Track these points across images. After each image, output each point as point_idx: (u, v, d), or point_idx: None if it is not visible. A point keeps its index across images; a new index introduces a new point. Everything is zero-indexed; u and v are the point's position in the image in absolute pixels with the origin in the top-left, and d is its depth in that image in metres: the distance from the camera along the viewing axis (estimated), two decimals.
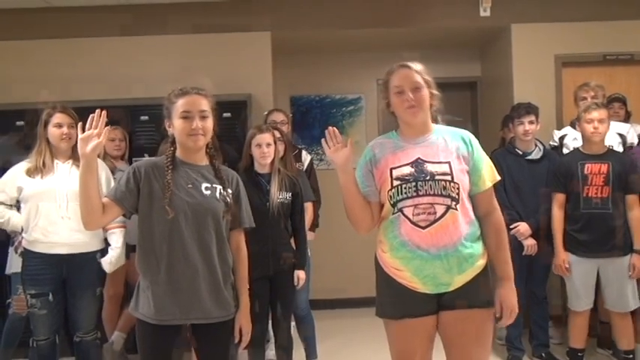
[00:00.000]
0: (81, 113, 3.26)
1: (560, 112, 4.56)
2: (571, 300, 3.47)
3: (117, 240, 3.03)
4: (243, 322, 2.22)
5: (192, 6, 4.49)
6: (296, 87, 5.35)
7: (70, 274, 2.93)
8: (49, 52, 4.47)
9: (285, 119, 3.84)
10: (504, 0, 4.54)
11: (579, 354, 3.49)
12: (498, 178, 2.17)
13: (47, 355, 2.99)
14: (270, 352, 3.58)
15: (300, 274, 3.17)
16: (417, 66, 2.14)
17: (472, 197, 2.12)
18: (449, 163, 2.08)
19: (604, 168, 3.29)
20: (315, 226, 3.83)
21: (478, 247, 2.09)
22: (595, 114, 3.30)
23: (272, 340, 3.58)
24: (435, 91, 2.14)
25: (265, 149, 3.08)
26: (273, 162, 3.13)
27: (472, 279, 2.06)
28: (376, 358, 3.88)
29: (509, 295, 2.10)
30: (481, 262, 2.09)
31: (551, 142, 4.05)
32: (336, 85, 5.41)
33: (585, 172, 3.32)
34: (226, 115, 3.97)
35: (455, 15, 4.63)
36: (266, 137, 3.10)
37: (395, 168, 2.11)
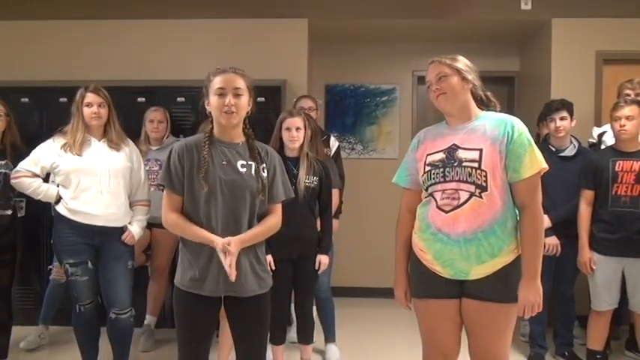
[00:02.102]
0: (119, 93, 3.43)
1: (599, 110, 4.46)
2: (592, 299, 3.40)
3: (139, 212, 3.17)
4: (233, 241, 2.14)
5: None
6: (331, 75, 5.37)
7: (103, 245, 3.04)
8: (89, 33, 4.61)
9: (314, 105, 3.86)
10: None
11: (597, 356, 3.40)
12: (545, 166, 2.06)
13: (93, 317, 3.11)
14: (292, 334, 3.65)
15: (322, 259, 3.18)
16: (445, 58, 2.15)
17: (512, 186, 2.07)
18: (480, 150, 2.05)
19: (636, 166, 3.20)
20: (339, 213, 3.84)
21: (505, 240, 2.05)
22: (622, 111, 3.21)
23: (294, 322, 3.65)
24: (469, 76, 2.13)
25: (294, 133, 3.10)
26: (302, 146, 3.15)
27: (495, 272, 2.05)
28: (394, 347, 3.96)
29: (526, 293, 2.05)
30: (506, 257, 2.06)
31: (590, 140, 3.97)
32: (371, 75, 5.41)
33: (616, 169, 3.23)
34: (260, 100, 4.02)
35: (495, 7, 4.57)
36: (296, 121, 3.12)
37: (430, 154, 2.16)
